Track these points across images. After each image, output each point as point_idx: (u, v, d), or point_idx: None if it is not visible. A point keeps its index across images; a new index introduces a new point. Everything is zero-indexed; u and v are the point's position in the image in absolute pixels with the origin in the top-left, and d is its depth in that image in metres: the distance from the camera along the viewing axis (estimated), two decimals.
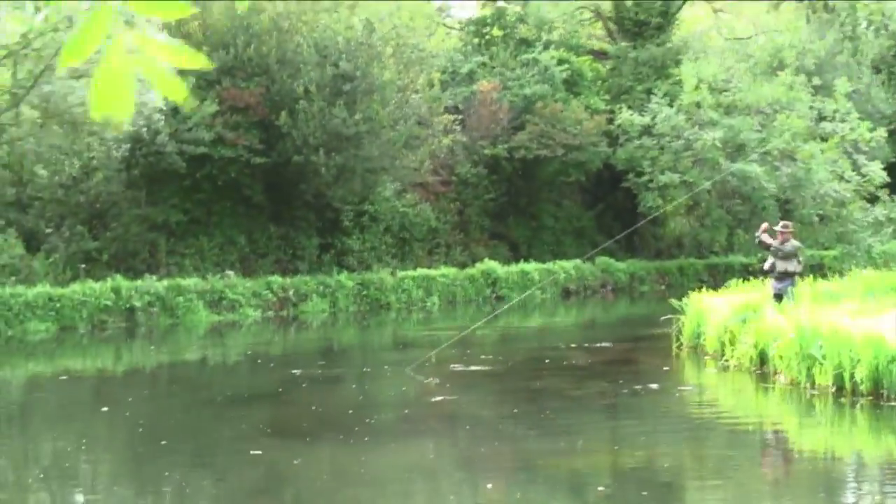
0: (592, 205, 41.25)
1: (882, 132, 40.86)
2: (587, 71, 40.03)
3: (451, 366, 20.12)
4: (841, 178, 38.53)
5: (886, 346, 14.89)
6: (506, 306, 29.65)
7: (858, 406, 15.00)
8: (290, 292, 30.65)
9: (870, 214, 39.96)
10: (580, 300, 35.47)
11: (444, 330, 29.55)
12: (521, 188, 38.90)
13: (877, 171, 39.54)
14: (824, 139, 39.52)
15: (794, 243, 20.13)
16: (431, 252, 35.94)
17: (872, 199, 40.70)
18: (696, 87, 39.33)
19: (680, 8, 44.56)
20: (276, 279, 30.66)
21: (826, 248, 40.83)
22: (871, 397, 15.13)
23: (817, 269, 39.21)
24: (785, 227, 20.48)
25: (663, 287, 38.38)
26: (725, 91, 40.24)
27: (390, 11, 32.72)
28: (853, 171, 39.10)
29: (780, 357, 17.07)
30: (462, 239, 37.09)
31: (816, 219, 38.40)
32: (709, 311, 21.03)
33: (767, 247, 20.17)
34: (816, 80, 41.34)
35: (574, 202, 40.75)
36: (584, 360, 21.10)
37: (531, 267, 35.33)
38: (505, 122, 37.32)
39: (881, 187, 40.13)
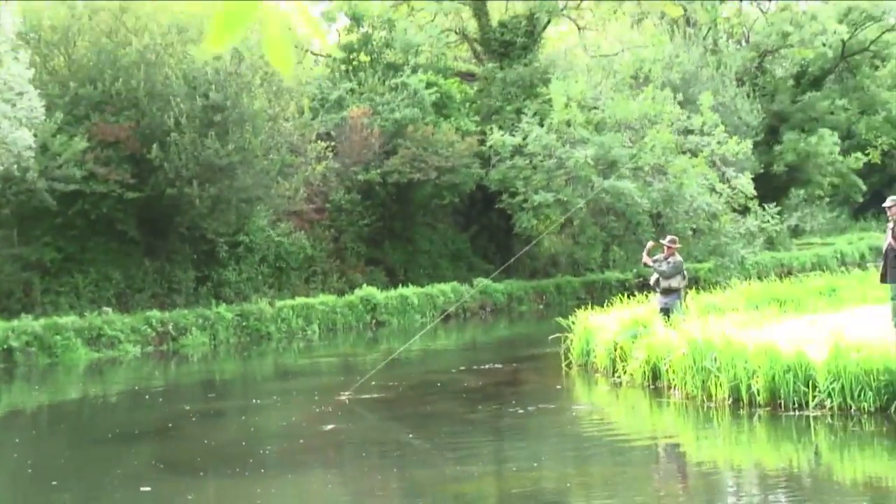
0: (467, 227, 42.97)
1: (748, 144, 43.96)
2: (456, 93, 41.91)
3: (341, 393, 20.66)
4: (712, 191, 41.43)
5: (781, 356, 15.65)
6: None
7: (756, 417, 15.67)
8: (170, 326, 31.10)
9: (741, 226, 42.96)
10: (460, 322, 37.05)
11: (326, 357, 31.14)
12: (395, 212, 39.96)
13: (745, 184, 42.65)
14: (694, 153, 42.37)
15: (678, 259, 21.11)
16: (308, 280, 37.14)
17: (743, 211, 43.82)
18: (566, 106, 41.31)
19: (545, 27, 46.09)
20: (155, 314, 31.15)
21: (700, 262, 43.71)
22: (768, 408, 15.80)
23: (693, 283, 42.03)
24: (672, 241, 21.46)
25: (541, 306, 39.74)
26: (594, 108, 42.13)
27: (258, 40, 34.38)
28: (722, 183, 42.20)
29: (674, 371, 17.75)
30: (338, 266, 38.12)
31: (690, 232, 41.19)
32: (597, 328, 21.83)
33: (650, 266, 21.04)
34: (681, 96, 44.38)
35: (449, 225, 42.35)
36: (475, 383, 21.77)
37: (410, 291, 36.42)
38: (377, 147, 38.31)
39: (751, 199, 43.32)
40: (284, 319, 33.58)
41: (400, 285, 37.66)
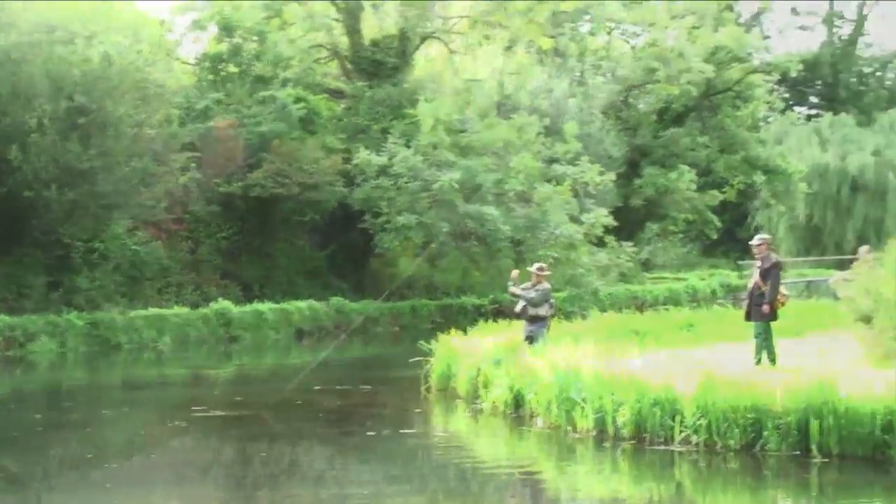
0: (325, 245, 43.12)
1: (611, 176, 45.43)
2: (323, 110, 42.04)
3: (192, 408, 20.66)
4: (573, 220, 42.64)
5: (649, 389, 15.95)
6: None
7: (620, 450, 15.89)
8: (17, 332, 30.60)
9: (596, 258, 44.34)
10: (315, 341, 37.21)
11: (177, 370, 30.72)
12: (254, 227, 39.88)
13: (600, 216, 43.95)
14: (558, 182, 43.54)
15: (546, 286, 21.37)
16: (162, 291, 36.56)
17: (598, 243, 45.13)
18: (433, 128, 42.10)
19: (416, 48, 46.75)
20: (3, 318, 30.56)
21: (556, 291, 44.69)
22: (633, 441, 16.03)
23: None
24: (540, 269, 21.66)
25: (397, 328, 40.00)
26: (462, 132, 43.11)
27: (129, 44, 34.25)
28: (584, 214, 43.38)
29: (538, 401, 17.83)
30: (194, 278, 37.71)
31: (552, 261, 42.21)
32: (458, 353, 21.94)
33: (517, 296, 21.13)
34: (548, 122, 45.55)
35: (307, 242, 42.60)
36: (332, 403, 21.93)
37: (265, 307, 36.38)
38: (240, 159, 38.18)
39: (607, 232, 44.60)
40: (136, 330, 33.29)
41: (255, 300, 37.61)
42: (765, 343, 19.40)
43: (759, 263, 19.77)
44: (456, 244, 40.93)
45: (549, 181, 42.62)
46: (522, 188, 41.74)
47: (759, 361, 19.17)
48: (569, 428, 17.05)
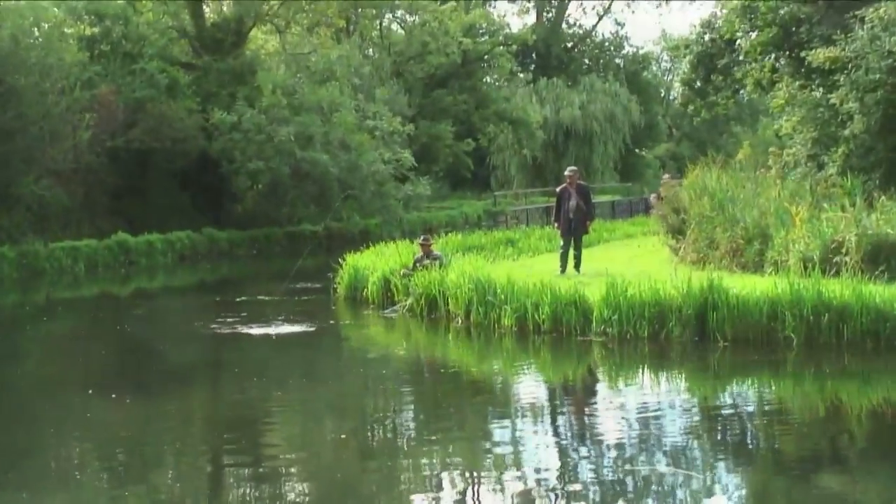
0: (189, 187, 43.55)
1: (410, 127, 47.34)
2: (182, 79, 42.27)
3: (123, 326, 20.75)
4: (383, 161, 44.31)
5: (562, 292, 16.21)
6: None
7: (542, 340, 15.99)
8: None
9: (401, 191, 46.16)
10: (193, 263, 37.45)
11: (90, 289, 31.29)
12: (135, 174, 39.12)
13: (407, 157, 45.75)
14: (370, 133, 45.06)
15: (437, 254, 20.59)
16: (65, 227, 36.11)
17: (403, 179, 46.92)
18: (272, 92, 43.11)
19: (251, 28, 47.23)
20: None
21: (371, 218, 46.41)
22: (553, 334, 16.11)
23: (364, 236, 44.69)
24: (426, 239, 20.98)
25: (254, 252, 40.69)
26: (294, 94, 44.24)
27: (30, 27, 33.69)
28: (390, 157, 45.04)
29: (457, 304, 17.71)
30: (89, 216, 37.24)
31: (368, 194, 43.83)
32: (366, 267, 21.90)
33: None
34: (357, 82, 46.82)
35: (176, 185, 42.69)
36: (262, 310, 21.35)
37: (154, 237, 36.41)
38: (121, 119, 37.87)
39: (410, 170, 46.42)
40: (56, 258, 32.91)
41: (139, 233, 37.46)
42: (576, 253, 20.48)
43: (572, 189, 20.45)
44: (295, 184, 41.84)
45: (363, 132, 43.94)
46: (343, 137, 42.94)
47: (564, 270, 19.85)
48: (491, 324, 17.03)
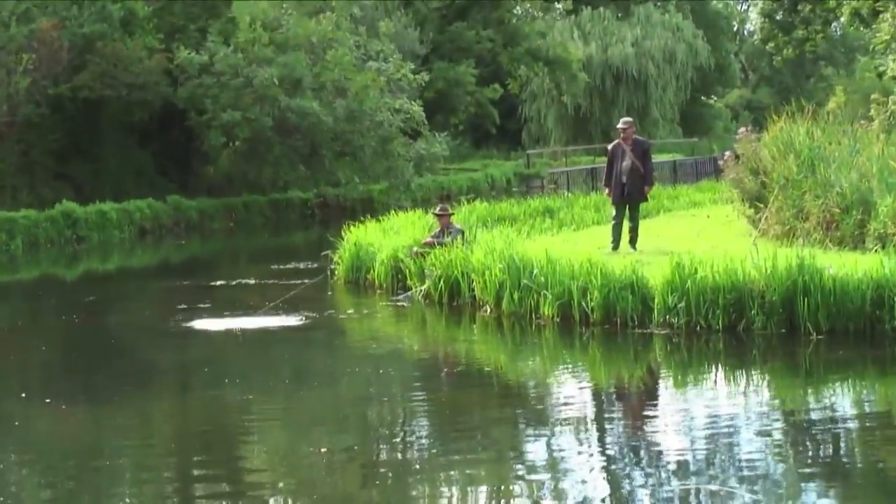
0: (150, 144, 43.64)
1: (425, 76, 47.19)
2: (140, 10, 41.92)
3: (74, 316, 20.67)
4: (390, 112, 44.09)
5: (616, 273, 16.07)
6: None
7: (590, 334, 15.91)
8: None
9: (412, 150, 46.05)
10: (156, 239, 37.35)
11: (28, 274, 31.32)
12: (84, 129, 39.37)
13: (417, 110, 45.64)
14: (372, 77, 44.84)
15: (457, 227, 20.51)
16: None
17: (413, 136, 46.83)
18: (250, 25, 43.03)
19: None
20: None
21: (374, 183, 46.35)
22: (605, 325, 16.01)
23: (368, 203, 44.78)
24: (443, 210, 20.88)
25: (232, 224, 40.79)
26: (278, 29, 43.73)
27: None
28: (396, 109, 44.92)
29: (487, 289, 17.63)
30: (28, 180, 37.43)
31: (371, 152, 43.67)
32: (371, 245, 21.88)
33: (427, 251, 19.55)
34: (358, 13, 46.61)
35: (135, 143, 42.85)
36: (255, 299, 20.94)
37: (108, 207, 36.37)
38: (65, 61, 37.71)
39: (422, 124, 46.29)
40: None
41: (89, 202, 37.52)
42: (632, 225, 20.28)
43: (628, 147, 20.30)
44: (280, 140, 41.83)
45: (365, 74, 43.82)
46: (339, 79, 42.83)
47: (617, 247, 19.88)
48: (528, 314, 16.98)
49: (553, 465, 10.39)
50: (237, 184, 43.34)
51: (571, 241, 21.47)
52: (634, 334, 15.88)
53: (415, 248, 20.27)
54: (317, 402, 13.52)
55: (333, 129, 41.65)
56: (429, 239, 20.33)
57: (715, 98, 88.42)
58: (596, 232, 23.59)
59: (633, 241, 20.46)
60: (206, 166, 44.24)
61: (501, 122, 68.84)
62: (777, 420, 11.89)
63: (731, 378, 14.11)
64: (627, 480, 9.84)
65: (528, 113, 76.04)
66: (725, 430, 11.33)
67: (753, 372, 14.36)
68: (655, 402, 13.10)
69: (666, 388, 13.88)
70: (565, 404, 12.92)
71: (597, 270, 16.49)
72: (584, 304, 16.43)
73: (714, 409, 12.29)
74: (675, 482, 9.57)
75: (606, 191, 21.30)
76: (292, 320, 18.50)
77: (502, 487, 9.70)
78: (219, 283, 24.61)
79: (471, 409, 12.82)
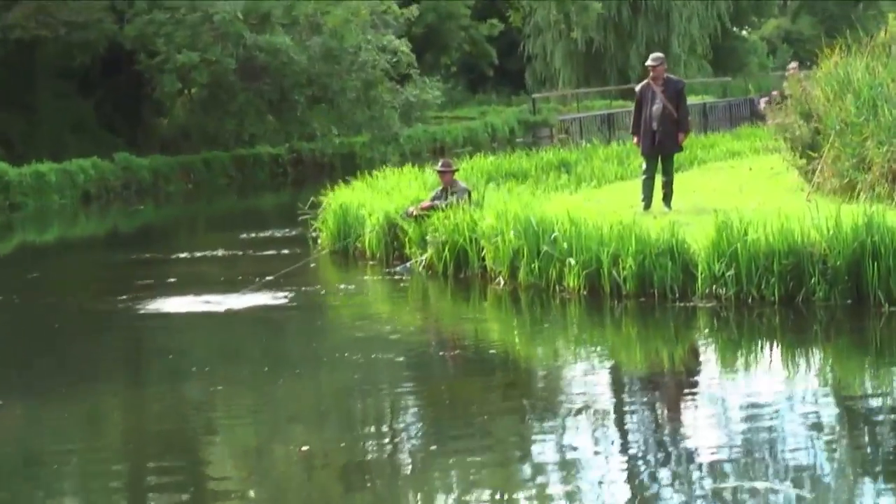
0: (92, 94, 43.28)
1: (415, 10, 46.71)
2: None
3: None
4: (374, 51, 43.63)
5: (651, 239, 15.93)
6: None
7: (623, 308, 15.89)
8: None
9: (400, 96, 45.67)
10: (103, 204, 37.08)
11: None
12: (14, 76, 38.98)
13: (404, 49, 45.20)
14: (352, 11, 44.35)
15: (462, 186, 20.42)
16: None
17: (401, 79, 46.48)
18: None
19: None
20: None
21: (356, 135, 45.94)
22: (640, 298, 15.97)
23: (349, 159, 44.55)
24: (446, 165, 20.72)
25: (190, 186, 40.66)
26: None
27: None
28: (381, 48, 44.51)
29: (500, 257, 17.58)
30: None
31: (352, 98, 43.25)
32: (361, 207, 21.68)
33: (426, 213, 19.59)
34: None
35: (76, 92, 42.30)
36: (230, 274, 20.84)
37: (46, 168, 36.15)
38: None
39: (411, 66, 45.88)
40: None
41: (23, 162, 37.22)
42: (665, 179, 20.17)
43: (660, 89, 20.12)
44: (245, 85, 41.48)
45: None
46: (315, 15, 42.47)
47: (649, 205, 19.84)
48: (550, 286, 16.94)
49: (572, 466, 10.13)
50: (195, 138, 43.09)
51: (594, 200, 21.34)
52: (675, 308, 15.81)
53: (411, 208, 20.15)
54: (295, 394, 13.35)
55: (307, 70, 41.25)
56: (427, 202, 20.14)
57: (748, 29, 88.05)
58: (621, 188, 23.52)
59: (666, 198, 20.28)
60: (158, 118, 43.99)
61: (501, 61, 68.50)
62: (843, 409, 11.64)
63: (790, 358, 14.04)
64: (660, 482, 9.65)
65: (532, 50, 75.41)
66: (782, 420, 11.11)
67: (815, 351, 14.29)
68: (700, 389, 12.87)
69: (713, 371, 13.69)
70: (593, 393, 12.69)
71: (629, 234, 16.37)
72: (615, 273, 16.35)
73: (769, 395, 12.07)
74: (720, 481, 9.45)
75: (634, 139, 21.12)
76: (268, 298, 18.31)
77: (509, 495, 9.46)
78: (178, 255, 24.57)
79: (477, 402, 12.63)
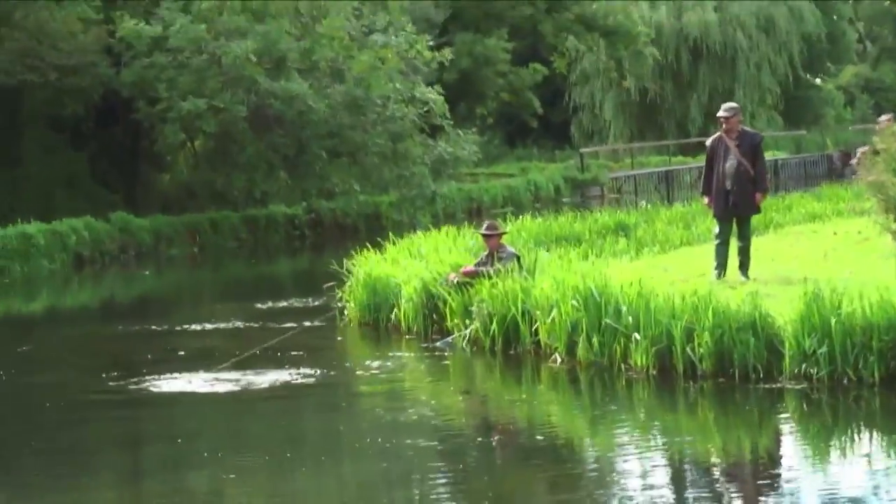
0: (85, 146, 43.52)
1: (448, 53, 46.88)
2: None
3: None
4: (404, 101, 43.80)
5: (731, 312, 15.94)
6: None
7: (698, 389, 15.93)
8: None
9: (433, 151, 45.77)
10: (97, 270, 37.10)
11: None
12: (0, 125, 40.28)
13: (438, 98, 45.37)
14: (377, 54, 44.53)
15: (510, 251, 20.45)
16: None
17: (431, 131, 46.59)
18: None
19: None
20: None
21: (381, 194, 46.02)
22: (719, 378, 15.99)
23: (374, 221, 44.62)
24: (492, 227, 20.78)
25: (196, 249, 40.75)
26: None
27: None
28: (419, 94, 44.53)
29: (555, 331, 17.58)
30: None
31: (378, 154, 43.17)
32: (392, 275, 21.77)
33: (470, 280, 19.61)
34: None
35: (67, 143, 42.49)
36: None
37: (34, 229, 36.05)
38: None
39: (444, 117, 45.95)
40: None
41: (7, 223, 37.31)
42: (741, 244, 20.00)
43: (734, 142, 20.05)
44: (257, 136, 41.63)
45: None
46: (336, 56, 42.67)
47: (723, 273, 19.71)
48: (612, 364, 16.97)
49: None
50: (201, 196, 43.22)
51: (659, 268, 21.25)
52: (759, 390, 15.76)
53: (452, 275, 20.23)
54: (318, 486, 13.30)
55: (328, 121, 41.28)
56: (471, 267, 20.24)
57: (824, 77, 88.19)
58: (688, 254, 23.51)
59: (743, 266, 20.15)
60: (159, 173, 44.19)
61: (543, 112, 68.72)
62: None
63: (892, 449, 13.91)
64: None
65: (579, 100, 75.96)
66: None
67: None
68: (790, 486, 12.64)
69: (804, 464, 13.51)
70: (664, 491, 12.56)
71: (705, 306, 16.33)
72: (689, 350, 16.36)
73: (868, 491, 12.01)
74: None
75: (705, 200, 20.97)
76: (290, 376, 18.36)
77: None
78: (184, 328, 24.48)
79: (526, 499, 12.62)
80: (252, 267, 38.76)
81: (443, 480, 13.29)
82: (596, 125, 75.80)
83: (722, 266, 20.01)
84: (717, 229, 20.44)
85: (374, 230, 34.72)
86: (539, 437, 15.11)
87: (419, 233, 26.63)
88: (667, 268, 21.18)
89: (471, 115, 65.13)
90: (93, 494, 13.49)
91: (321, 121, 41.41)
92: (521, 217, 30.07)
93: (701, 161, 26.24)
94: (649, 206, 33.53)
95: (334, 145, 42.41)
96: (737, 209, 20.30)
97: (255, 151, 41.72)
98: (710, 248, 20.82)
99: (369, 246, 24.73)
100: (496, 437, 15.28)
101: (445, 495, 12.75)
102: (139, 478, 14.32)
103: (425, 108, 43.93)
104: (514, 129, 73.92)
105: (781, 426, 14.99)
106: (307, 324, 21.93)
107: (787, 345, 15.73)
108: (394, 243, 24.94)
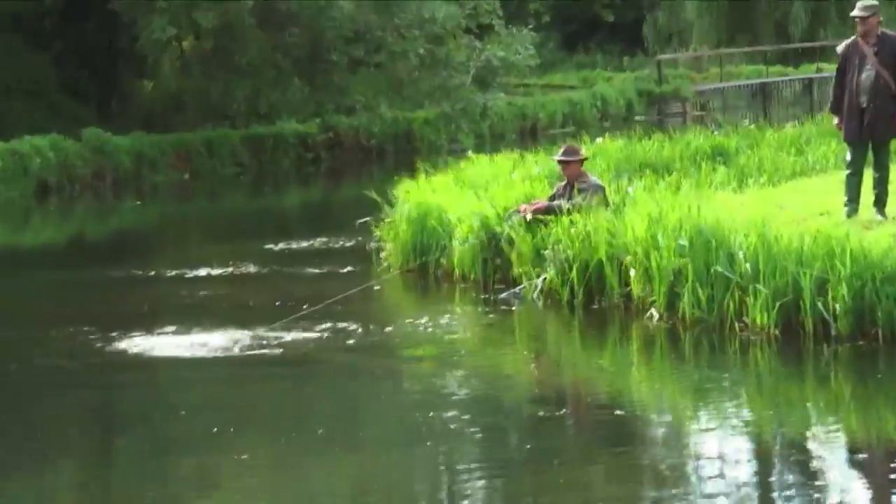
0: (50, 46, 43.52)
1: None
2: None
3: None
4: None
5: (873, 257, 15.90)
6: None
7: (833, 353, 15.89)
8: None
9: (479, 56, 45.61)
10: (66, 199, 37.49)
11: None
12: None
13: None
14: None
15: (593, 181, 20.64)
16: None
17: (479, 34, 46.49)
18: None
19: None
20: None
21: (416, 110, 45.80)
22: (859, 341, 15.97)
23: (404, 141, 44.56)
24: (571, 152, 20.86)
25: (186, 176, 41.03)
26: None
27: None
28: None
29: (650, 281, 17.66)
30: None
31: (412, 59, 43.10)
32: (444, 210, 21.86)
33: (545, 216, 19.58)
34: None
35: (29, 45, 42.36)
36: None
37: None
38: None
39: (495, 14, 45.85)
40: None
41: None
42: (878, 174, 19.88)
43: (873, 46, 19.79)
44: (265, 34, 41.57)
45: None
46: None
47: (856, 210, 19.56)
48: (727, 322, 16.97)
49: None
50: (193, 109, 43.21)
51: (771, 202, 21.16)
52: None
53: (522, 206, 20.23)
54: (344, 471, 13.37)
55: (352, 21, 41.20)
56: (544, 201, 20.28)
57: None
58: (803, 187, 23.48)
59: (880, 201, 20.00)
60: (141, 80, 44.10)
61: (614, 12, 68.70)
62: None
63: None
64: None
65: None
66: None
67: None
68: None
69: None
70: (792, 487, 12.35)
71: (842, 251, 16.25)
72: (820, 305, 16.28)
73: None
74: None
75: (835, 120, 20.80)
76: (315, 338, 18.47)
77: None
78: (173, 272, 24.83)
79: (606, 490, 12.54)
80: (255, 198, 38.84)
81: (503, 468, 13.29)
82: (675, 26, 75.49)
83: (854, 201, 19.83)
84: (848, 156, 20.27)
85: (404, 154, 34.57)
86: (628, 416, 15.02)
87: (471, 155, 26.47)
88: (783, 204, 20.95)
89: (521, 12, 64.92)
90: (69, 479, 13.73)
91: (344, 19, 41.27)
92: (591, 139, 29.76)
93: (805, 73, 25.96)
94: (751, 125, 33.14)
95: (358, 51, 42.17)
96: (873, 131, 20.10)
97: (261, 54, 41.71)
98: (834, 179, 21.17)
99: (405, 172, 24.68)
100: (573, 415, 15.31)
101: (508, 487, 12.71)
102: (124, 458, 14.49)
103: (471, 6, 43.78)
104: (573, 30, 73.82)
105: None
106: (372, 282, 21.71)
107: None
108: (447, 171, 24.79)
